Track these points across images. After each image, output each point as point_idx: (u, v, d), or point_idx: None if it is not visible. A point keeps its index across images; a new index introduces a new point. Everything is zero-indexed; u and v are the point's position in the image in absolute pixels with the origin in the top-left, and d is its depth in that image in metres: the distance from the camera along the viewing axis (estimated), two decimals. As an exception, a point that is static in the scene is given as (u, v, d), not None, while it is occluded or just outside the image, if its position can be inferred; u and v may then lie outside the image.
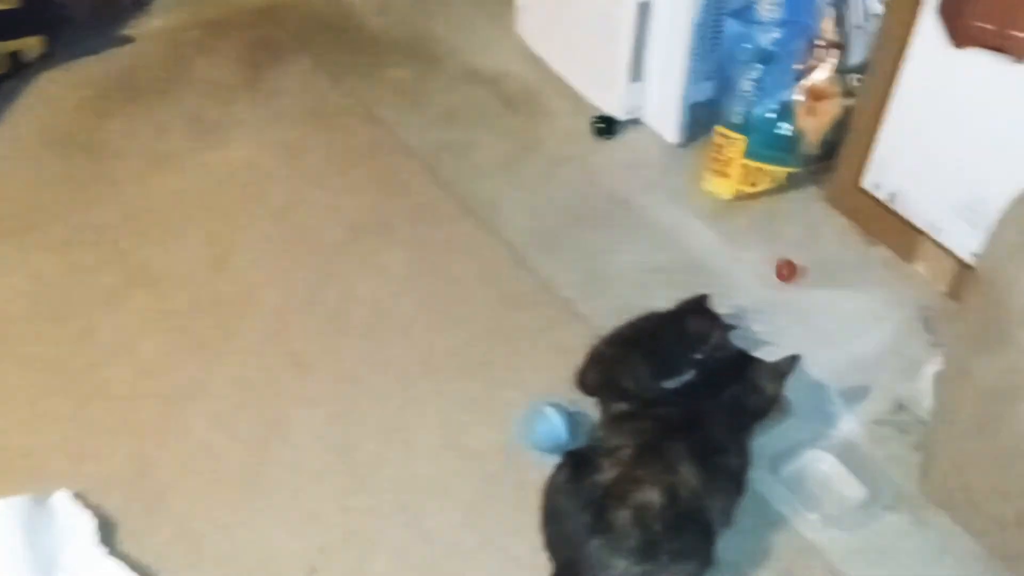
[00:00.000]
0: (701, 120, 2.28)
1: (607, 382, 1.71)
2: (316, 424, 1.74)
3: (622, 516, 1.37)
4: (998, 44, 1.66)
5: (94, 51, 2.61)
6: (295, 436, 1.72)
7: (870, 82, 1.97)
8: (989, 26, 1.67)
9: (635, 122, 2.41)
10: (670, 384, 1.69)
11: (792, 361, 1.59)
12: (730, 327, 1.80)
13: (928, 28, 1.78)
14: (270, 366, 1.84)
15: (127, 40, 2.67)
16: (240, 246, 2.08)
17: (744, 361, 1.60)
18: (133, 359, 1.85)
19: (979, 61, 1.71)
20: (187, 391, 1.79)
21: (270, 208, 2.18)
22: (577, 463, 1.47)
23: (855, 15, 2.01)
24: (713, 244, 2.11)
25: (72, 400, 1.76)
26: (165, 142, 2.35)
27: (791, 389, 1.72)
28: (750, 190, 2.18)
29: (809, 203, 2.20)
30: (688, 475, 1.41)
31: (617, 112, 2.37)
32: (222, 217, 2.15)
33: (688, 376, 1.68)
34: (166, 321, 1.92)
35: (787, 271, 2.00)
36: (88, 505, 1.56)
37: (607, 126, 2.38)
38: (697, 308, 1.81)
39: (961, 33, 1.72)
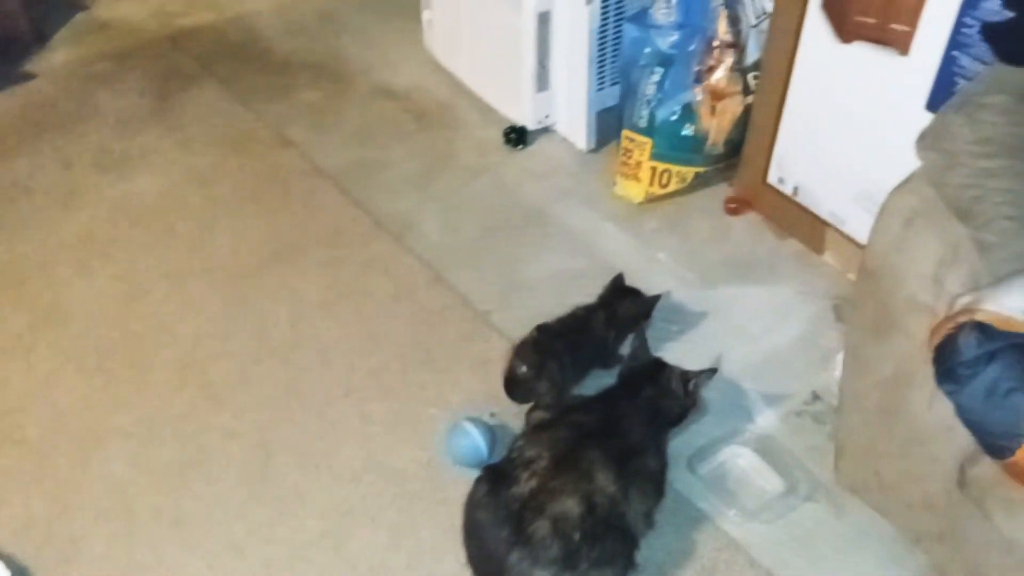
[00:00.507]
0: (610, 125, 2.31)
1: (540, 367, 1.72)
2: (235, 455, 1.72)
3: (541, 527, 1.38)
4: (880, 37, 1.71)
5: (-5, 89, 2.57)
6: (214, 469, 1.70)
7: (765, 80, 2.01)
8: (871, 20, 1.71)
9: (546, 131, 2.43)
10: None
11: (708, 374, 1.62)
12: (654, 299, 1.85)
13: (815, 25, 1.83)
14: (186, 400, 1.82)
15: (29, 76, 2.63)
16: (151, 280, 2.06)
17: (658, 367, 1.63)
18: (46, 402, 1.82)
19: (864, 55, 1.76)
20: (103, 431, 1.76)
21: (182, 238, 2.16)
22: (495, 477, 1.47)
23: (749, 15, 2.05)
24: (628, 246, 2.14)
25: (-18, 449, 1.73)
26: (72, 177, 2.32)
27: (706, 387, 1.75)
28: (660, 191, 2.20)
29: (719, 201, 2.23)
30: (605, 482, 1.43)
31: (527, 122, 2.39)
32: (133, 251, 2.13)
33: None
34: (79, 361, 1.89)
35: (735, 206, 2.08)
36: (0, 555, 1.53)
37: (518, 136, 2.39)
38: (619, 290, 1.86)
39: (845, 28, 1.77)
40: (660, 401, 1.60)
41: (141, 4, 2.94)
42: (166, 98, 2.57)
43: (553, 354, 1.74)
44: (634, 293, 1.87)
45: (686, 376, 1.61)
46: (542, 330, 1.78)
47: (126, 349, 1.91)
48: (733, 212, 2.13)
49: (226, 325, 1.96)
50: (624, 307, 1.84)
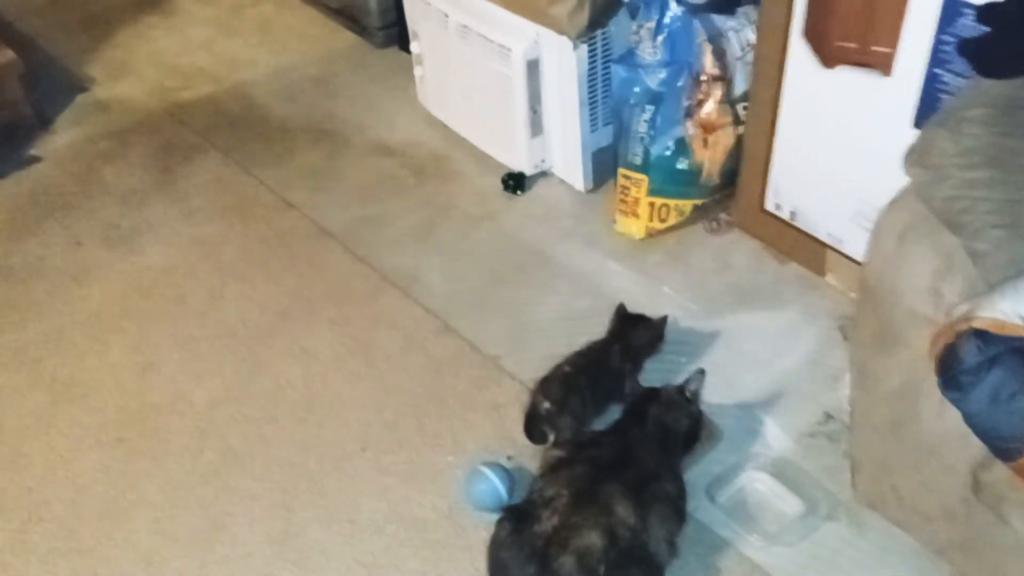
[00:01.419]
0: (606, 165, 2.34)
1: (563, 403, 1.74)
2: (258, 516, 1.74)
3: (566, 563, 1.40)
4: (863, 60, 1.75)
5: (2, 175, 2.62)
6: (237, 531, 1.71)
7: (755, 109, 2.05)
8: (852, 45, 1.75)
9: (544, 175, 2.47)
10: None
11: (697, 375, 1.67)
12: (663, 321, 1.89)
13: (798, 52, 1.87)
14: (206, 465, 1.83)
15: (35, 160, 2.68)
16: (165, 350, 2.09)
17: (654, 392, 1.67)
18: (68, 477, 1.83)
19: (849, 78, 1.80)
20: (125, 502, 1.78)
21: (192, 307, 2.19)
22: (517, 517, 1.49)
23: (734, 47, 2.09)
24: (631, 283, 2.16)
25: (10, 526, 1.74)
26: (82, 255, 2.36)
27: (719, 415, 1.77)
28: (660, 226, 2.23)
29: (723, 231, 2.26)
30: (624, 513, 1.45)
31: (525, 167, 2.43)
32: (145, 323, 2.16)
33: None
34: (98, 435, 1.91)
35: (716, 225, 2.16)
36: (32, 633, 1.54)
37: (517, 182, 2.43)
38: (625, 319, 1.89)
39: (828, 54, 1.81)
40: (667, 418, 1.63)
41: (140, 81, 3.01)
42: (169, 171, 2.62)
43: (575, 389, 1.76)
44: (642, 319, 1.90)
45: (680, 387, 1.66)
46: (567, 366, 1.81)
47: (144, 419, 1.93)
48: (713, 232, 2.19)
49: (241, 388, 1.98)
50: (636, 335, 1.87)
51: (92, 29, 3.29)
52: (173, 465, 1.84)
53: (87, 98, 2.95)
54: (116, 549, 1.70)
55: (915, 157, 1.34)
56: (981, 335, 1.16)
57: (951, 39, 1.60)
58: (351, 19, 3.13)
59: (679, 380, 1.71)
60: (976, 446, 1.24)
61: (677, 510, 1.54)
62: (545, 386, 1.78)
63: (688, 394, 1.67)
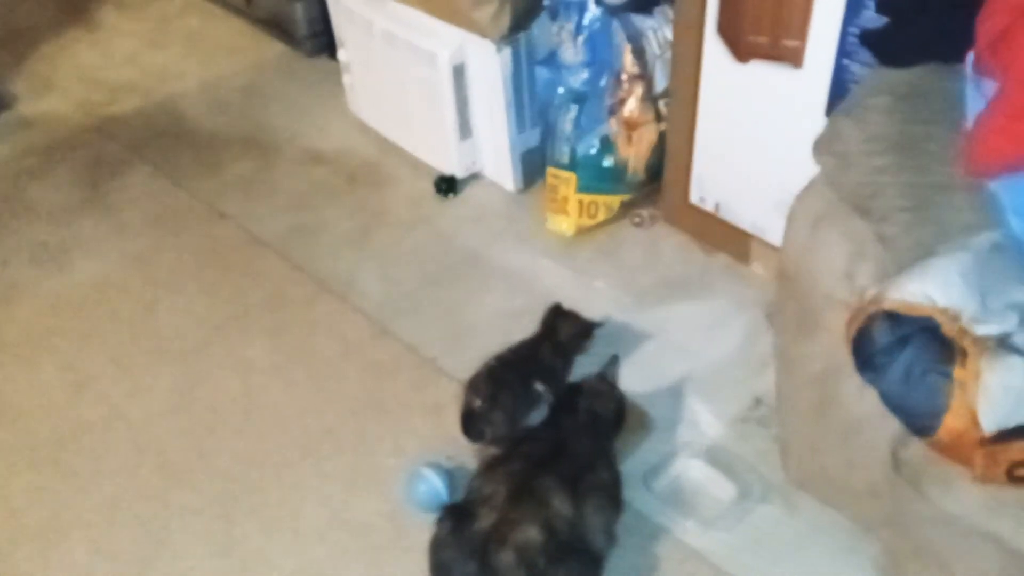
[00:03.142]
0: (535, 165, 2.38)
1: (494, 399, 1.76)
2: (199, 530, 1.73)
3: (506, 558, 1.42)
4: (774, 54, 1.80)
5: (-77, 195, 2.57)
6: (178, 547, 1.70)
7: (675, 105, 2.09)
8: (763, 39, 1.80)
9: (475, 177, 2.50)
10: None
11: (612, 360, 1.73)
12: (595, 324, 1.92)
13: (713, 49, 1.91)
14: (144, 481, 1.82)
15: (-44, 180, 2.63)
16: (98, 366, 2.06)
17: (577, 385, 1.71)
18: (2, 499, 1.81)
19: (762, 72, 1.85)
20: (61, 523, 1.76)
21: (125, 322, 2.17)
22: (456, 516, 1.50)
23: (653, 46, 2.13)
24: (564, 279, 2.20)
25: (-58, 554, 1.72)
26: (9, 274, 2.32)
27: (653, 404, 1.81)
28: (590, 222, 2.27)
29: (648, 225, 2.30)
30: (561, 506, 1.47)
31: (456, 170, 2.45)
32: (76, 340, 2.13)
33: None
34: (31, 456, 1.88)
35: (639, 220, 2.23)
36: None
37: (449, 185, 2.45)
38: (558, 317, 1.92)
39: (741, 49, 1.85)
40: (595, 405, 1.66)
41: (65, 97, 2.97)
42: (98, 186, 2.59)
43: (504, 384, 1.78)
44: (571, 316, 1.93)
45: (601, 375, 1.70)
46: (494, 361, 1.83)
47: (78, 438, 1.91)
48: (638, 225, 2.26)
49: (177, 402, 1.97)
50: (565, 330, 1.89)
51: (14, 44, 3.24)
52: (109, 483, 1.82)
53: (10, 115, 2.90)
54: (53, 571, 1.68)
55: (824, 146, 1.39)
56: (892, 316, 1.20)
57: (857, 31, 1.65)
58: (279, 29, 3.12)
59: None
60: (895, 425, 1.29)
61: (613, 499, 1.57)
62: (474, 382, 1.80)
63: (609, 379, 1.70)
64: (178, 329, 2.14)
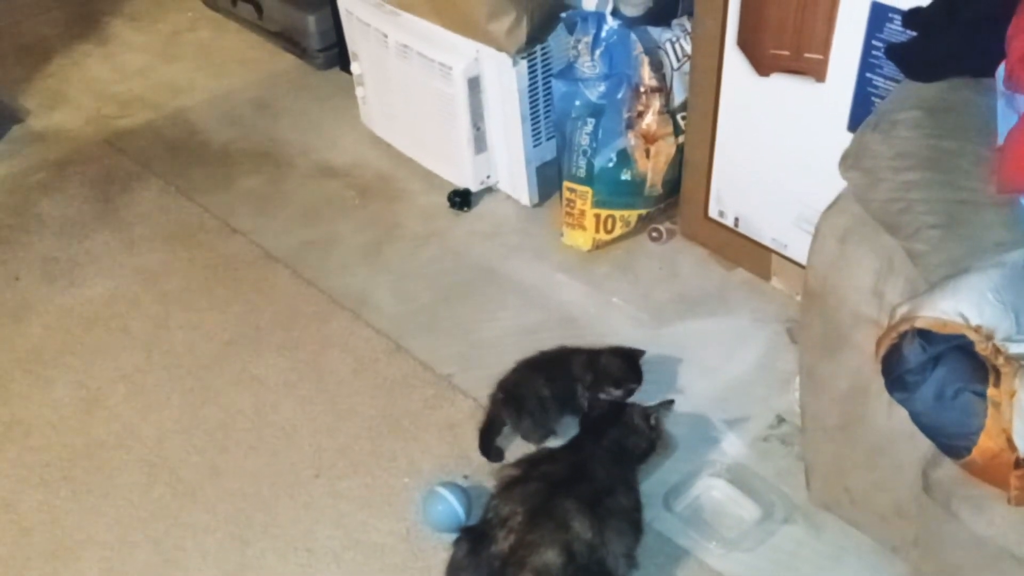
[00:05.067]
0: (550, 179, 2.35)
1: (513, 399, 1.77)
2: (211, 550, 1.70)
3: (525, 582, 1.39)
4: (796, 67, 1.78)
5: (-66, 210, 2.56)
6: (191, 567, 1.68)
7: (694, 119, 2.07)
8: (785, 52, 1.78)
9: (489, 191, 2.47)
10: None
11: (666, 404, 1.68)
12: (633, 389, 1.83)
13: (734, 62, 1.89)
14: (156, 500, 1.80)
15: (-32, 194, 2.62)
16: (110, 383, 2.04)
17: (619, 408, 1.66)
18: (13, 518, 1.78)
19: (784, 85, 1.82)
20: (72, 542, 1.73)
21: (137, 339, 2.15)
22: (473, 538, 1.49)
23: (671, 59, 2.11)
24: (581, 295, 2.17)
25: (-49, 575, 1.69)
26: (20, 290, 2.30)
27: (673, 423, 1.78)
28: (607, 237, 2.24)
29: (665, 240, 2.28)
30: (580, 529, 1.44)
31: (470, 184, 2.42)
32: (88, 357, 2.11)
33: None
34: (43, 474, 1.86)
35: (657, 234, 2.21)
36: None
37: (463, 199, 2.43)
38: (615, 349, 1.87)
39: (762, 62, 1.83)
40: (626, 440, 1.63)
41: (76, 111, 2.95)
42: (109, 200, 2.57)
43: (532, 389, 1.78)
44: (628, 356, 1.86)
45: (646, 412, 1.65)
46: (521, 362, 1.84)
47: (90, 456, 1.89)
48: (656, 240, 2.24)
49: (190, 419, 1.95)
50: (607, 357, 1.84)
51: (25, 59, 3.23)
52: (122, 501, 1.80)
53: (22, 129, 2.89)
54: (64, 591, 1.66)
55: (850, 161, 1.36)
56: (924, 334, 1.17)
57: (880, 44, 1.63)
58: (291, 42, 3.10)
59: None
60: (925, 445, 1.26)
61: (633, 523, 1.54)
62: (502, 381, 1.81)
63: (652, 421, 1.66)
64: (189, 346, 2.12)
